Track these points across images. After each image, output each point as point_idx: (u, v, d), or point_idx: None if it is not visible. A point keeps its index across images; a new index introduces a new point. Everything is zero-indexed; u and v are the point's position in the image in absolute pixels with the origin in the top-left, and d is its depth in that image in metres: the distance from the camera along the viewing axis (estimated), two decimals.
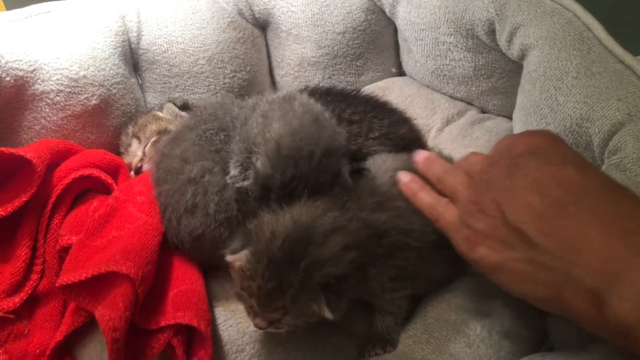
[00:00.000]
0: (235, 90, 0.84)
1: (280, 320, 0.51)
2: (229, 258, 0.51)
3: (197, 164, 0.59)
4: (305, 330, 0.54)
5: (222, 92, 0.83)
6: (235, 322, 0.60)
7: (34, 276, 0.62)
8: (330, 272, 0.49)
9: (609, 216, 0.39)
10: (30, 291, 0.61)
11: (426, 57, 0.83)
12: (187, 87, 0.83)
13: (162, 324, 0.54)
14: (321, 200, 0.54)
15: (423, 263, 0.59)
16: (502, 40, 0.74)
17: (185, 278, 0.60)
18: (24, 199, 0.60)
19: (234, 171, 0.57)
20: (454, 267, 0.65)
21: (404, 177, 0.56)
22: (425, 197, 0.53)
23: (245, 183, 0.56)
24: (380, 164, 0.63)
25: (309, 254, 0.48)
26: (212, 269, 0.63)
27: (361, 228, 0.53)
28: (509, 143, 0.47)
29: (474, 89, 0.82)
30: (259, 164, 0.54)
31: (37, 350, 0.59)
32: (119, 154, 0.76)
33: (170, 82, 0.83)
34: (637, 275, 0.35)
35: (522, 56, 0.73)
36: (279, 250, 0.48)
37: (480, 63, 0.79)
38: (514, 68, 0.77)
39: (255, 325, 0.51)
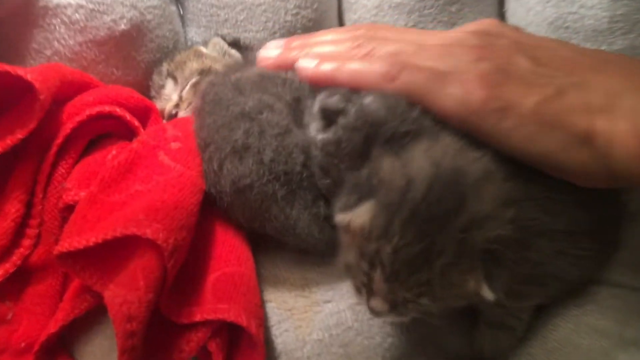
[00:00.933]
0: (298, 31, 0.70)
1: (409, 303, 0.39)
2: (343, 217, 0.40)
3: (254, 97, 0.49)
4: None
5: (282, 32, 0.70)
6: (292, 326, 0.48)
7: (27, 242, 0.49)
8: (493, 235, 0.38)
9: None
10: (19, 262, 0.48)
11: (545, 3, 0.69)
12: (238, 23, 0.70)
13: (198, 318, 0.42)
14: (443, 141, 0.42)
15: (559, 259, 0.46)
16: None
17: (231, 257, 0.46)
18: (19, 136, 0.47)
19: (329, 98, 0.45)
20: (591, 270, 0.52)
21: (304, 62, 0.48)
22: (356, 65, 0.46)
23: (343, 121, 0.44)
24: None
25: (465, 208, 0.38)
26: (256, 238, 0.52)
27: (507, 178, 0.41)
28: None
29: (604, 47, 0.67)
30: (367, 99, 0.44)
31: (23, 344, 0.47)
32: (149, 98, 0.64)
33: (218, 15, 0.70)
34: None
35: None
36: (425, 201, 0.37)
37: (619, 12, 0.65)
38: None
39: (370, 308, 0.41)
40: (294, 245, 0.50)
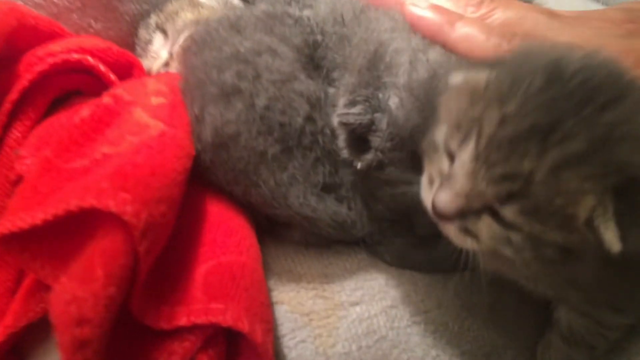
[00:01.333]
0: None
1: (485, 214, 0.32)
2: (459, 75, 0.35)
3: (254, 37, 0.43)
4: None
5: None
6: (311, 335, 0.41)
7: None
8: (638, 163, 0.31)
9: None
10: None
11: None
12: None
13: (183, 322, 0.34)
14: None
15: None
16: None
17: (229, 242, 0.38)
18: None
19: (349, 108, 0.41)
20: None
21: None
22: (470, 29, 0.41)
23: (377, 143, 0.40)
24: None
25: (620, 105, 0.32)
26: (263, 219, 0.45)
27: None
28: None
29: None
30: (393, 104, 0.40)
31: None
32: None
33: None
34: None
35: None
36: (568, 81, 0.32)
37: None
38: None
39: (435, 204, 0.33)
40: (290, 223, 0.44)
